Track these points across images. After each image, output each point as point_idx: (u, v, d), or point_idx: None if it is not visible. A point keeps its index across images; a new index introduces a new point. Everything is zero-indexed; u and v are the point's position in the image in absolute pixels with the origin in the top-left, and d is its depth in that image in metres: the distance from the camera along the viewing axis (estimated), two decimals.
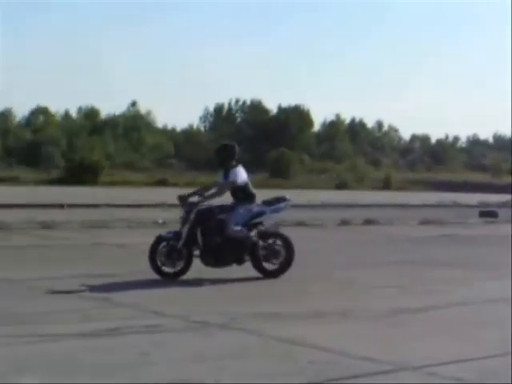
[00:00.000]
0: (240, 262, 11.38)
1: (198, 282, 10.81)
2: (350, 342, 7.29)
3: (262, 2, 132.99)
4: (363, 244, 17.92)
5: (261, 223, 11.54)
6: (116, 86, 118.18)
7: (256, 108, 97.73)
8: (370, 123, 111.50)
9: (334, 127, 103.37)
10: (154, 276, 11.04)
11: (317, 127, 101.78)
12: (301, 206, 26.53)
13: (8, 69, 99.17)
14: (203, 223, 11.13)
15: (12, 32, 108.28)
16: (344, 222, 23.39)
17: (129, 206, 28.14)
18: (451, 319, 8.77)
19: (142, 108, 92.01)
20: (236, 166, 11.44)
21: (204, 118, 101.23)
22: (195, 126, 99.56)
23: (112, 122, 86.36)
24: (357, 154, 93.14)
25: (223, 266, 11.34)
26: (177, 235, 11.15)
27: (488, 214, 28.69)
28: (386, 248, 17.05)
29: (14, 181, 52.21)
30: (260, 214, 11.50)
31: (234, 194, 11.49)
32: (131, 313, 8.60)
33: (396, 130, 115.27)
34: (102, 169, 58.37)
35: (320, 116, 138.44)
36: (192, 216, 11.08)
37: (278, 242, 11.54)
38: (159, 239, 11.23)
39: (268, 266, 11.49)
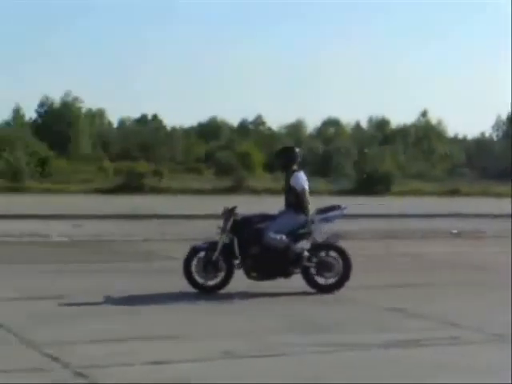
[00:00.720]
0: (286, 274, 10.43)
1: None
2: None
3: None
4: None
5: (309, 233, 10.56)
6: (406, 96, 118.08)
7: None
8: None
9: None
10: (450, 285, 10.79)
11: None
12: None
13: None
14: (240, 232, 10.43)
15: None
16: None
17: (422, 216, 27.88)
18: None
19: (433, 117, 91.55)
20: (297, 170, 10.75)
21: (496, 127, 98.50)
22: (487, 135, 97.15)
23: (403, 132, 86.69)
24: None
25: (266, 278, 10.44)
26: (212, 246, 10.41)
27: None
28: None
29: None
30: (307, 223, 10.52)
31: (287, 199, 10.73)
32: (427, 324, 8.50)
33: None
34: (393, 179, 58.64)
35: None
36: (229, 225, 10.44)
37: (332, 253, 10.50)
38: (194, 250, 10.47)
39: (320, 280, 10.52)
